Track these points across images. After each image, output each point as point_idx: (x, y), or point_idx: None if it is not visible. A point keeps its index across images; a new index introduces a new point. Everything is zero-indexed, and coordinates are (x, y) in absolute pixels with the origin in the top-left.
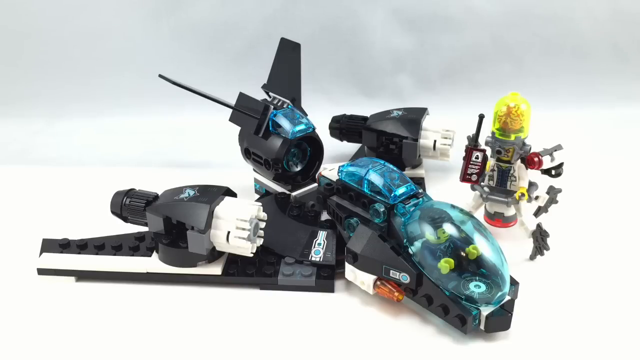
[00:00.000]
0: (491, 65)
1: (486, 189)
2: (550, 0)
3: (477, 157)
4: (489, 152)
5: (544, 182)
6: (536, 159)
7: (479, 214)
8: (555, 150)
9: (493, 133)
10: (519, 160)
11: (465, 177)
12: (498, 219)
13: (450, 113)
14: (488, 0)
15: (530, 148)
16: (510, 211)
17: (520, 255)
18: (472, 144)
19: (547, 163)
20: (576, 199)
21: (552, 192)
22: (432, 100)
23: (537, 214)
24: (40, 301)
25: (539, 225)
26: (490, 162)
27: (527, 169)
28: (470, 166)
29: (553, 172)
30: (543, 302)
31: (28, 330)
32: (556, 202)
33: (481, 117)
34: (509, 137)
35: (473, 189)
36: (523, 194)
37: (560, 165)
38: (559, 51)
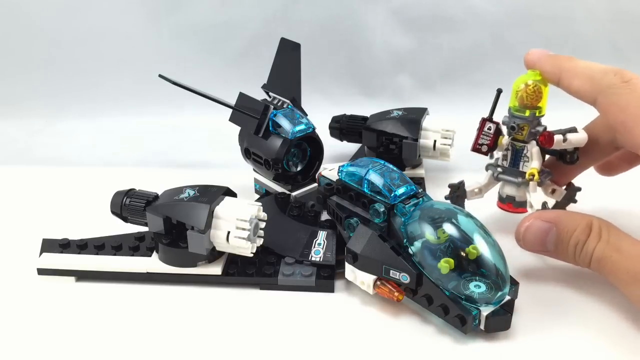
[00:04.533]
0: (491, 65)
1: (499, 169)
2: (550, 0)
3: (489, 128)
4: (504, 130)
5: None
6: (548, 136)
7: (492, 206)
8: (570, 132)
9: (510, 109)
10: (534, 142)
11: (475, 147)
12: (509, 203)
13: (450, 113)
14: (488, 0)
15: (545, 128)
16: (523, 195)
17: (521, 255)
18: (487, 116)
19: (559, 143)
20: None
21: (570, 189)
22: (432, 100)
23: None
24: (40, 301)
25: (544, 204)
26: (505, 141)
27: (540, 149)
28: (482, 136)
29: (568, 157)
30: (543, 302)
31: (28, 330)
32: (575, 201)
33: (499, 91)
34: (525, 113)
35: (487, 169)
36: (533, 175)
37: (575, 150)
38: (559, 51)
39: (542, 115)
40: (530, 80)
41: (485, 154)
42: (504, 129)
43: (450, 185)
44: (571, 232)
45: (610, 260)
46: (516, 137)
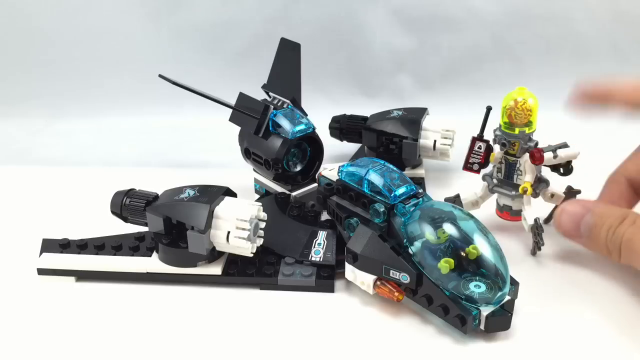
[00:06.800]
0: (491, 65)
1: (495, 180)
2: (550, 0)
3: (479, 147)
4: (497, 146)
5: (563, 182)
6: (537, 154)
7: (491, 206)
8: (560, 148)
9: (500, 126)
10: (526, 155)
11: (467, 166)
12: (506, 212)
13: (450, 113)
14: (488, 0)
15: (537, 143)
16: (519, 205)
17: (521, 255)
18: (477, 135)
19: (549, 159)
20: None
21: (570, 192)
22: (432, 100)
23: (553, 213)
24: (40, 301)
25: (536, 220)
26: (498, 154)
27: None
28: (472, 155)
29: (561, 169)
30: (543, 302)
31: (28, 330)
32: None
33: (488, 108)
34: (514, 131)
35: (483, 179)
36: (526, 189)
37: (569, 162)
38: (559, 51)
39: (533, 131)
40: (520, 97)
41: (478, 172)
42: (496, 146)
43: (446, 200)
44: (605, 218)
45: None
46: (508, 151)
